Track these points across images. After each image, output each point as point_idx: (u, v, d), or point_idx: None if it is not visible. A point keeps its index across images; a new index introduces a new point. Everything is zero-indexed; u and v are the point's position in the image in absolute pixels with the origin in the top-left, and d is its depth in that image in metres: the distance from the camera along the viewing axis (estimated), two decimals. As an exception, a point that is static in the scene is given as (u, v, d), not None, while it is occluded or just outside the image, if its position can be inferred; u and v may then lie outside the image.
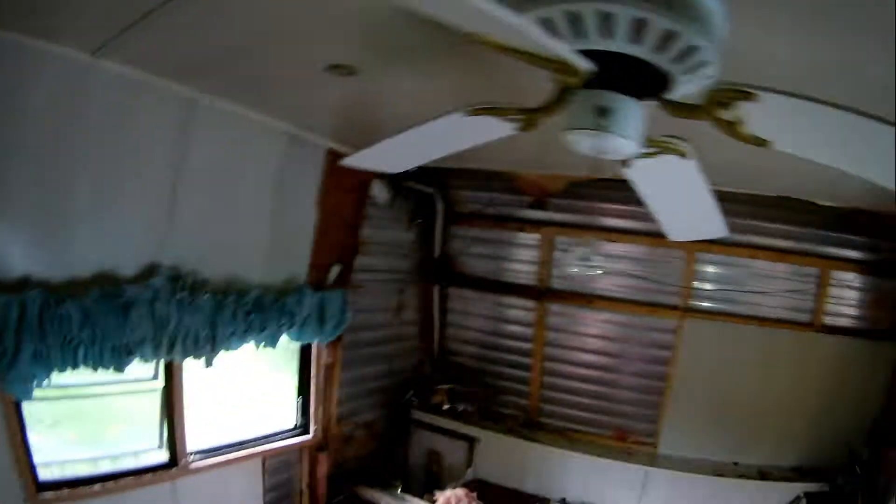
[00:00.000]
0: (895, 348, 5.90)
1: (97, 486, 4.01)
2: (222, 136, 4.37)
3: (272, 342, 5.02)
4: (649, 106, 1.86)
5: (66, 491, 3.85)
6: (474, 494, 6.03)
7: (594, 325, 6.90)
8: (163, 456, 4.54)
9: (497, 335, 7.38)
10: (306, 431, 5.83)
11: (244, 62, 3.40)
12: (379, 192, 6.14)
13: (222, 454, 4.98)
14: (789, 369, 6.20)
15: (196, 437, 4.75)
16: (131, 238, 4.01)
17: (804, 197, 5.11)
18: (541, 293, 6.90)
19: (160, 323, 4.04)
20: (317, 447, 5.87)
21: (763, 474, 6.12)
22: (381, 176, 6.07)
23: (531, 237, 6.86)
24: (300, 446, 5.76)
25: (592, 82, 1.77)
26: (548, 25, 1.66)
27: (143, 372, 4.41)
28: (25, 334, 3.29)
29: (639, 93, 1.84)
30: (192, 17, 2.70)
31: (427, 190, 6.89)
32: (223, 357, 4.64)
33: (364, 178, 5.89)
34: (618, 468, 6.40)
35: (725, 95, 1.74)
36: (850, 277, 5.96)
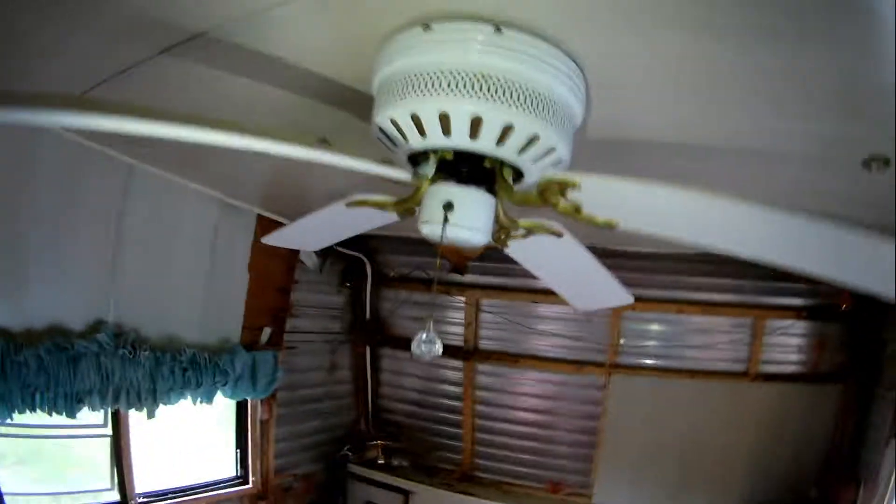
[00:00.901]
0: (838, 390, 6.08)
1: None
2: (159, 201, 4.78)
3: (208, 398, 5.37)
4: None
5: None
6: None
7: (525, 383, 7.25)
8: (114, 496, 4.87)
9: (429, 393, 7.70)
10: (246, 481, 6.16)
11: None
12: (307, 257, 6.53)
13: (168, 498, 5.29)
14: (724, 418, 6.42)
15: (144, 481, 5.07)
16: (78, 294, 4.39)
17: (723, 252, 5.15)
18: (468, 353, 7.23)
19: (105, 375, 4.40)
20: (257, 496, 6.19)
21: (703, 521, 6.38)
22: None
23: (458, 300, 7.18)
24: (240, 495, 6.07)
25: (446, 176, 1.98)
26: (396, 126, 1.93)
27: (95, 418, 4.74)
28: (-11, 378, 3.64)
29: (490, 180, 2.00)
30: (132, 94, 3.01)
31: (356, 255, 7.28)
32: (165, 409, 5.00)
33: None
34: None
35: (554, 186, 1.95)
36: (788, 324, 6.12)
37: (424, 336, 2.87)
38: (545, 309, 6.96)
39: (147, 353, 4.79)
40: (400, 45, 1.94)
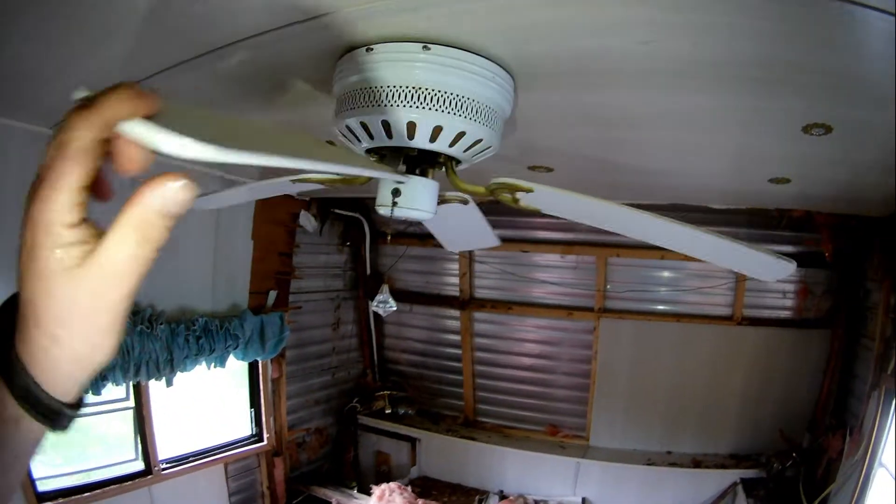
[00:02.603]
0: (825, 337, 6.08)
1: (87, 494, 4.52)
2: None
3: (221, 362, 5.56)
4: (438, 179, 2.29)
5: (61, 500, 4.35)
6: (407, 488, 6.42)
7: (520, 329, 7.37)
8: (139, 465, 5.06)
9: (431, 343, 7.87)
10: (261, 439, 6.33)
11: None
12: (307, 221, 6.66)
13: (189, 462, 5.47)
14: (712, 362, 6.50)
15: (165, 448, 5.25)
16: None
17: (696, 203, 5.12)
18: (464, 303, 7.36)
19: (126, 351, 4.58)
20: (272, 453, 6.38)
21: (696, 462, 6.48)
22: (308, 206, 6.63)
23: (452, 252, 7.15)
24: (257, 452, 6.26)
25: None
26: (350, 131, 2.19)
27: (118, 393, 4.93)
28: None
29: (434, 166, 2.29)
30: None
31: (354, 215, 7.40)
32: (182, 377, 5.20)
33: (292, 211, 6.48)
34: (551, 461, 6.87)
35: (506, 188, 2.19)
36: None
37: (381, 297, 2.98)
38: (537, 257, 7.02)
39: (163, 326, 4.95)
40: (350, 64, 2.20)
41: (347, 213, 7.34)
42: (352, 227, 7.61)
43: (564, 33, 2.03)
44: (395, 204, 2.17)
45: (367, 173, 1.93)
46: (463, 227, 3.16)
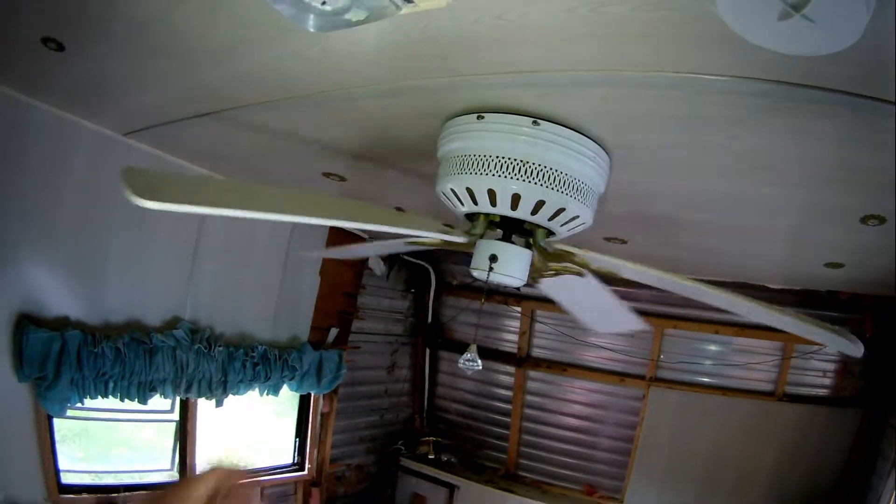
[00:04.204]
0: (857, 415, 5.96)
1: (114, 495, 4.50)
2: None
3: (275, 391, 5.56)
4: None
5: (85, 496, 4.34)
6: None
7: (571, 390, 7.27)
8: (174, 476, 5.06)
9: (481, 395, 7.77)
10: (301, 468, 6.30)
11: (255, 161, 3.99)
12: (376, 264, 6.69)
13: None
14: (749, 435, 6.31)
15: (203, 464, 5.22)
16: (156, 295, 4.58)
17: (756, 282, 5.22)
18: (521, 360, 7.31)
19: (180, 367, 4.61)
20: (311, 483, 6.34)
21: (724, 530, 6.30)
22: None
23: (514, 309, 7.23)
24: (295, 480, 6.22)
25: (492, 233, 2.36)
26: (455, 194, 2.26)
27: (163, 405, 4.94)
28: (65, 365, 3.83)
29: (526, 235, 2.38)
30: (215, 129, 3.26)
31: (421, 264, 7.42)
32: (232, 399, 5.20)
33: None
34: None
35: (570, 255, 2.30)
36: (814, 349, 5.93)
37: (469, 356, 3.07)
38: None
39: (221, 348, 4.98)
40: (459, 128, 2.27)
41: (415, 260, 7.35)
42: (418, 275, 7.61)
43: (661, 124, 2.14)
44: (491, 269, 2.29)
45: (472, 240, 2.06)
46: (591, 302, 3.22)
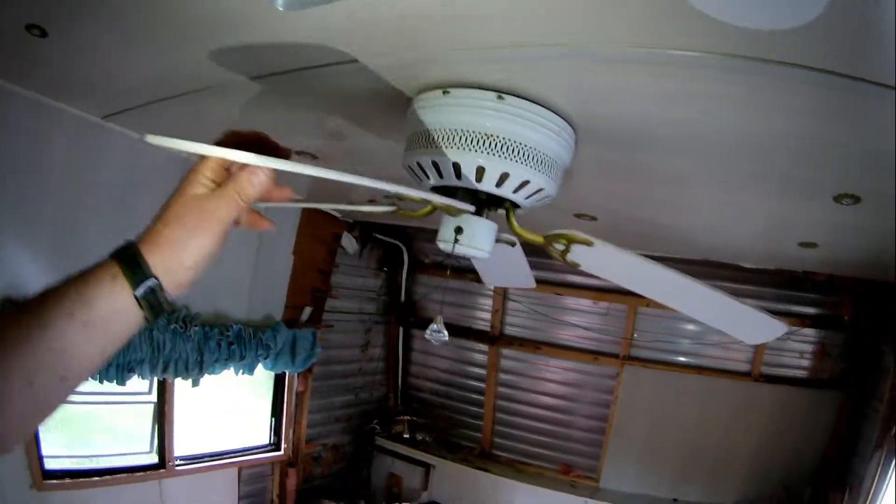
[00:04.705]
0: (837, 397, 6.04)
1: (96, 479, 4.50)
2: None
3: (250, 370, 5.51)
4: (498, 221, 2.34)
5: (68, 480, 4.31)
6: None
7: (545, 369, 7.33)
8: (153, 458, 5.03)
9: (455, 374, 7.83)
10: (278, 448, 6.29)
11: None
12: (348, 243, 6.66)
13: (203, 462, 5.46)
14: (727, 414, 6.46)
15: (181, 445, 5.22)
16: None
17: (728, 260, 5.18)
18: (494, 339, 7.35)
19: (157, 347, 4.57)
20: (287, 463, 6.33)
21: (701, 510, 6.46)
22: (351, 228, 6.64)
23: (487, 287, 7.15)
24: (272, 461, 6.22)
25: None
26: (420, 168, 2.22)
27: (141, 387, 4.93)
28: (45, 348, 3.85)
29: (494, 207, 2.34)
30: (193, 109, 3.15)
31: (394, 242, 7.41)
32: (208, 379, 5.16)
33: (335, 231, 6.48)
34: (561, 499, 6.75)
35: (564, 239, 2.25)
36: (792, 330, 5.99)
37: (435, 326, 3.07)
38: (569, 301, 7.04)
39: (197, 328, 4.94)
40: (425, 103, 2.25)
41: (389, 239, 7.34)
42: (391, 254, 7.61)
43: (630, 98, 2.10)
44: (456, 241, 2.23)
45: (450, 203, 2.04)
46: (505, 266, 3.26)
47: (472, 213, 2.24)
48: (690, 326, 6.51)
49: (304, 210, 5.85)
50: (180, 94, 2.99)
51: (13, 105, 3.45)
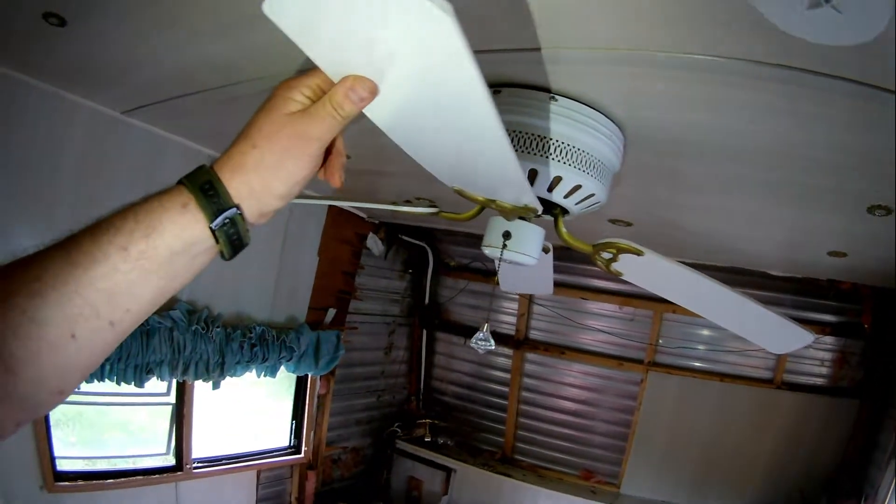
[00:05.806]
0: (856, 406, 6.02)
1: (110, 480, 4.47)
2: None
3: (272, 372, 5.50)
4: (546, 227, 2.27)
5: (80, 482, 4.28)
6: None
7: (569, 374, 7.28)
8: (169, 460, 5.03)
9: (478, 378, 7.81)
10: (298, 451, 6.28)
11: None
12: (374, 244, 6.64)
13: (222, 464, 5.45)
14: (747, 421, 6.42)
15: (199, 447, 5.21)
16: None
17: (756, 268, 5.15)
18: (519, 343, 7.33)
19: (177, 348, 4.55)
20: (307, 466, 6.32)
21: (718, 517, 6.42)
22: (377, 230, 6.63)
23: (512, 292, 7.08)
24: (292, 464, 6.22)
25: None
26: None
27: (159, 388, 4.93)
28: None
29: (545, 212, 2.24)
30: (213, 106, 3.18)
31: (420, 244, 7.39)
32: (228, 381, 5.16)
33: (360, 232, 6.46)
34: None
35: (613, 248, 2.18)
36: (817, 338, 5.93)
37: (481, 335, 3.07)
38: (593, 305, 7.00)
39: (218, 329, 4.92)
40: None
41: (414, 240, 7.32)
42: (416, 256, 7.59)
43: (683, 105, 2.09)
44: (504, 246, 2.17)
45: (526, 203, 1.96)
46: (529, 271, 3.06)
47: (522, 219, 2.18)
48: (712, 333, 6.50)
49: (330, 211, 5.86)
50: (200, 91, 2.98)
51: (30, 98, 3.46)
